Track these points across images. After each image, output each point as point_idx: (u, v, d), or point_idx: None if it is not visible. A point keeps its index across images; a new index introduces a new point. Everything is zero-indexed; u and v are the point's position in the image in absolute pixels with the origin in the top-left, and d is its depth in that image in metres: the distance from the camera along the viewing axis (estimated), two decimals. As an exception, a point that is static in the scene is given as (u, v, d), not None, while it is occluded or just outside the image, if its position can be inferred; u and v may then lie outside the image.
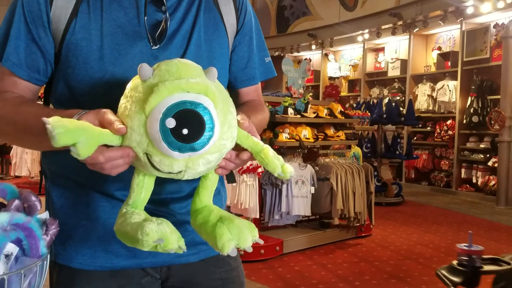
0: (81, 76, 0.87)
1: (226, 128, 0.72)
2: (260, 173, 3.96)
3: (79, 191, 0.92)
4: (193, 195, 0.82)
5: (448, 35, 8.14)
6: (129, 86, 0.73)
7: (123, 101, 0.72)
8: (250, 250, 0.73)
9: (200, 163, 0.70)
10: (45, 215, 0.74)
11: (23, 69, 0.87)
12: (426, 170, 8.06)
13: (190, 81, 0.68)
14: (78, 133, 0.64)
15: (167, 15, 0.91)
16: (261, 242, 0.75)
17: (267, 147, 0.77)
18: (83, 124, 0.66)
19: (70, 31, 0.87)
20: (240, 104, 1.06)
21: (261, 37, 1.12)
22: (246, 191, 3.80)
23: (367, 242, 4.43)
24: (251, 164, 3.91)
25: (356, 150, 5.39)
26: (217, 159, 0.73)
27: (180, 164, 0.69)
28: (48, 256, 0.71)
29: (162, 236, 0.67)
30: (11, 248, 0.66)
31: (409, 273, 3.58)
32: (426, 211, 6.13)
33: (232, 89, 1.07)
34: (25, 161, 6.98)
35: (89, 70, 0.87)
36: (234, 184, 3.85)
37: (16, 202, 0.70)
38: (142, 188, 0.75)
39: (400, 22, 7.99)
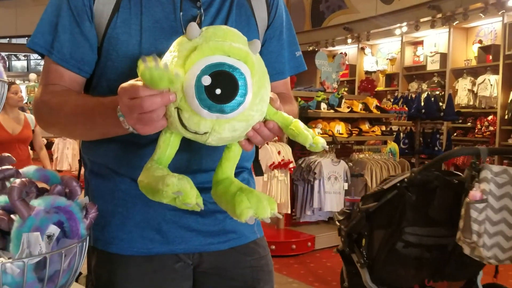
0: (120, 69, 0.92)
1: (257, 100, 0.73)
2: (292, 169, 3.97)
3: (116, 180, 0.96)
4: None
5: (489, 28, 7.84)
6: (175, 42, 0.76)
7: (167, 54, 0.75)
8: (268, 221, 0.74)
9: (226, 127, 0.71)
10: (85, 199, 0.78)
11: (71, 62, 0.92)
12: (465, 167, 7.82)
13: (233, 45, 0.71)
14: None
15: (202, 10, 0.94)
16: (280, 216, 0.76)
17: (297, 121, 0.77)
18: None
19: (112, 25, 0.91)
20: None
21: (292, 31, 1.13)
22: (278, 187, 3.82)
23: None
24: (282, 160, 3.92)
25: (393, 145, 5.29)
26: (243, 129, 0.74)
27: (207, 124, 0.70)
28: (88, 238, 0.76)
29: (181, 189, 0.69)
30: (53, 230, 0.70)
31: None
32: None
33: None
34: (66, 156, 7.27)
35: (128, 64, 0.91)
36: (265, 179, 3.88)
37: (58, 187, 0.75)
38: (168, 146, 0.77)
39: (440, 15, 7.76)
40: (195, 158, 0.94)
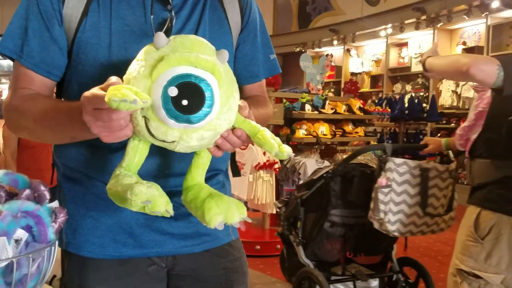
0: (90, 73, 0.92)
1: (225, 109, 0.74)
2: (277, 169, 3.99)
3: (88, 183, 0.96)
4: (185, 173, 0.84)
5: (473, 29, 7.96)
6: (142, 50, 0.76)
7: (134, 63, 0.75)
8: (237, 225, 0.76)
9: (193, 137, 0.72)
10: (54, 204, 0.79)
11: (41, 66, 0.91)
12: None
13: (200, 56, 0.71)
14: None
15: (173, 13, 0.94)
16: (249, 220, 0.78)
17: (264, 129, 0.78)
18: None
19: (81, 29, 0.91)
20: (243, 99, 1.09)
21: (266, 34, 1.14)
22: (263, 187, 3.84)
23: (385, 239, 4.43)
24: (267, 160, 3.94)
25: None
26: (211, 137, 0.75)
27: (175, 133, 0.71)
28: (56, 242, 0.76)
29: (150, 198, 0.69)
30: (21, 234, 0.71)
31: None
32: (448, 209, 6.05)
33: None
34: None
35: (98, 67, 0.91)
36: (251, 180, 3.89)
37: (27, 191, 0.75)
38: (136, 153, 0.78)
39: (424, 17, 7.86)
40: (168, 162, 0.95)
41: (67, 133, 0.85)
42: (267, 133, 0.77)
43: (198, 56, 0.71)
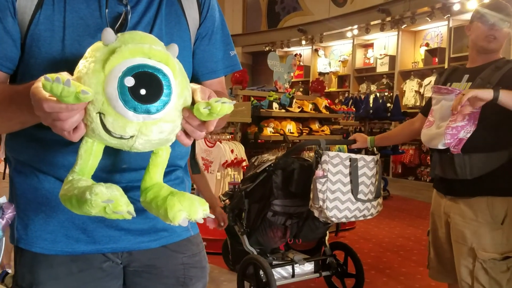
0: (43, 66, 0.89)
1: (181, 101, 0.73)
2: (245, 167, 3.99)
3: (40, 178, 0.94)
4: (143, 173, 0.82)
5: (435, 31, 8.20)
6: (89, 48, 0.74)
7: (82, 61, 0.73)
8: (201, 221, 0.75)
9: (153, 129, 0.71)
10: (1, 199, 0.77)
11: None
12: (412, 165, 8.14)
13: (153, 47, 0.70)
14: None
15: (128, 8, 0.92)
16: (212, 216, 0.77)
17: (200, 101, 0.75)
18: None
19: (35, 22, 0.89)
20: None
21: (226, 31, 1.14)
22: (230, 185, 3.83)
23: (350, 235, 4.50)
24: (235, 158, 3.94)
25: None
26: (170, 130, 0.74)
27: (133, 127, 0.69)
28: (3, 238, 0.74)
29: (111, 197, 0.67)
30: (-35, 230, 0.69)
31: (389, 265, 3.65)
32: (411, 206, 6.21)
33: (195, 82, 1.11)
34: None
35: (52, 60, 0.89)
36: (219, 177, 3.88)
37: (-28, 186, 0.73)
38: (90, 156, 0.75)
39: (389, 18, 8.04)
40: (124, 157, 0.93)
41: (17, 118, 0.82)
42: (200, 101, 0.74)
43: (151, 47, 0.70)
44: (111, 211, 0.67)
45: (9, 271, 1.33)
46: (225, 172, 3.96)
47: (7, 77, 0.94)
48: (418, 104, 8.13)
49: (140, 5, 0.95)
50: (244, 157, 4.08)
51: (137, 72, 0.68)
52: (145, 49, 0.70)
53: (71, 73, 0.76)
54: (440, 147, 1.89)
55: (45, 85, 0.62)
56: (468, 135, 1.83)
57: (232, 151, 3.99)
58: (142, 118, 0.69)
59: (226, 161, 3.92)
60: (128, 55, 0.69)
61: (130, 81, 0.67)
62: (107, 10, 0.91)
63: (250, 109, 4.11)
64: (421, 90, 8.02)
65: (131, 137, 0.71)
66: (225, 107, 0.71)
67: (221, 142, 3.95)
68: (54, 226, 0.94)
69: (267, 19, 11.09)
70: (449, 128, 1.82)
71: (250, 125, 4.27)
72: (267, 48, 10.35)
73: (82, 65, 0.72)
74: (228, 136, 4.08)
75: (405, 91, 8.27)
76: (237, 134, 4.17)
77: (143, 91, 0.67)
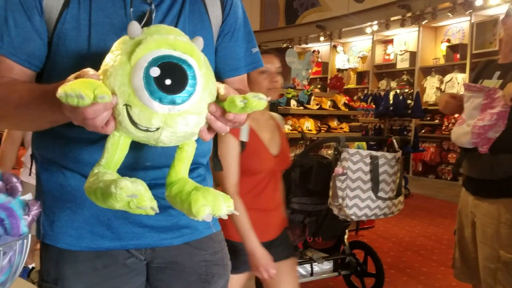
0: (69, 65, 0.90)
1: (207, 93, 0.72)
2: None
3: (66, 175, 0.95)
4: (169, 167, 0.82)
5: (457, 27, 8.05)
6: (116, 42, 0.74)
7: (108, 55, 0.73)
8: (225, 217, 0.74)
9: (178, 121, 0.70)
10: (28, 196, 0.77)
11: (21, 57, 0.90)
12: (433, 163, 8.02)
13: (178, 38, 0.70)
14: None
15: (153, 6, 0.93)
16: (237, 213, 0.76)
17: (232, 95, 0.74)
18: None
19: (61, 20, 0.90)
20: None
21: (248, 28, 1.13)
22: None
23: (369, 234, 4.45)
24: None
25: (361, 142, 5.38)
26: (195, 123, 0.73)
27: (159, 118, 0.69)
28: (29, 235, 0.75)
29: (136, 192, 0.66)
30: (-8, 227, 0.69)
31: (409, 264, 3.60)
32: (431, 204, 6.12)
33: (217, 80, 1.10)
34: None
35: (78, 59, 0.90)
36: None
37: (-1, 183, 0.73)
38: (117, 149, 0.74)
39: (409, 14, 7.92)
40: (148, 155, 0.94)
41: (47, 117, 0.83)
42: (233, 95, 0.73)
43: (176, 39, 0.70)
44: (135, 206, 0.67)
45: (32, 266, 1.36)
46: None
47: (35, 75, 0.95)
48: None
49: (164, 3, 0.96)
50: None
51: (163, 63, 0.68)
52: (170, 40, 0.70)
53: (97, 70, 0.76)
54: (467, 146, 1.85)
55: (60, 98, 0.63)
56: (497, 135, 1.79)
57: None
58: (167, 109, 0.68)
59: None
60: (153, 46, 0.69)
61: (155, 71, 0.67)
62: (131, 9, 0.92)
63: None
64: (442, 87, 7.89)
65: (157, 129, 0.70)
66: (260, 103, 0.71)
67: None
68: (80, 222, 0.95)
69: (285, 15, 11.04)
70: (476, 127, 1.79)
71: (269, 122, 4.26)
72: (284, 45, 10.31)
73: (109, 59, 0.72)
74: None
75: (425, 87, 8.14)
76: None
77: (168, 81, 0.67)
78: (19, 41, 0.90)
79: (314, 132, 4.22)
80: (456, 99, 2.08)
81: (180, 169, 0.81)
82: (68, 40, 0.90)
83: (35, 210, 0.76)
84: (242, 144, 1.75)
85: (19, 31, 0.89)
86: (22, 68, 0.91)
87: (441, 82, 7.94)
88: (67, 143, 0.93)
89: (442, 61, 8.15)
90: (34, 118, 0.87)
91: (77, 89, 0.63)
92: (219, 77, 1.10)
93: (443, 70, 8.07)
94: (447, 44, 8.05)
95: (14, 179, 0.75)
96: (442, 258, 3.73)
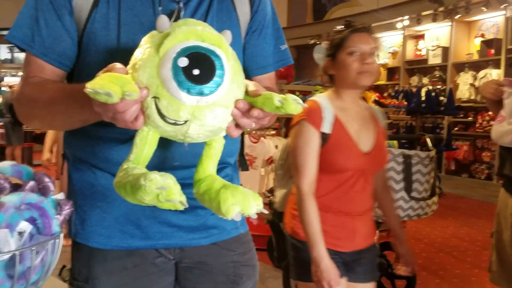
0: (99, 64, 0.90)
1: (235, 86, 0.71)
2: (290, 162, 3.96)
3: (97, 175, 0.96)
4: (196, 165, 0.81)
5: (491, 21, 7.79)
6: (145, 37, 0.74)
7: (137, 49, 0.73)
8: (254, 217, 0.72)
9: (206, 114, 0.69)
10: (60, 196, 0.78)
11: (52, 56, 0.91)
12: (466, 162, 7.81)
13: (207, 30, 0.70)
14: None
15: (181, 5, 0.93)
16: (266, 212, 0.74)
17: (268, 91, 0.73)
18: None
19: (91, 20, 0.90)
20: None
21: (277, 24, 1.11)
22: (276, 180, 3.81)
23: (400, 234, 4.37)
24: (281, 153, 3.92)
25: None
26: (223, 116, 0.72)
27: (187, 110, 0.68)
28: (61, 234, 0.75)
29: (165, 185, 0.66)
30: (24, 226, 0.70)
31: (442, 266, 3.51)
32: (465, 204, 5.96)
33: (246, 78, 1.09)
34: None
35: (108, 58, 0.90)
36: (263, 174, 3.87)
37: (31, 183, 0.74)
38: (145, 144, 0.74)
39: (441, 8, 7.71)
40: (176, 154, 0.93)
41: (78, 116, 0.83)
42: (270, 92, 0.72)
43: (205, 30, 0.70)
44: (164, 199, 0.66)
45: (65, 264, 1.37)
46: (269, 168, 3.94)
47: (65, 75, 0.96)
48: (472, 97, 7.76)
49: (192, 1, 0.96)
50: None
51: (191, 53, 0.67)
52: (198, 31, 0.69)
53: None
54: (509, 145, 1.77)
55: (89, 95, 0.63)
56: None
57: (276, 147, 3.96)
58: (195, 100, 0.67)
59: (271, 157, 3.90)
60: (182, 37, 0.68)
61: (183, 62, 0.66)
62: (160, 8, 0.92)
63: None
64: (476, 83, 7.66)
65: (185, 122, 0.69)
66: (298, 107, 0.69)
67: (265, 138, 3.93)
68: (110, 221, 0.95)
69: (313, 11, 10.93)
70: None
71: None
72: (312, 41, 10.21)
73: (138, 52, 0.72)
74: (272, 132, 4.05)
75: (459, 84, 7.92)
76: (281, 130, 4.13)
77: (196, 71, 0.66)
78: (50, 41, 0.90)
79: (343, 129, 4.16)
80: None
81: (208, 166, 0.80)
82: (97, 40, 0.90)
83: (67, 209, 0.77)
84: (324, 136, 1.52)
85: (50, 31, 0.90)
86: (53, 68, 0.92)
87: (475, 78, 7.71)
88: (97, 143, 0.94)
89: (475, 57, 7.91)
90: (65, 117, 0.87)
91: (105, 86, 0.63)
92: (247, 76, 1.07)
93: (476, 66, 7.83)
94: (481, 39, 7.80)
95: (46, 179, 0.75)
96: (476, 260, 3.62)
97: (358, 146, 1.55)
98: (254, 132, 3.94)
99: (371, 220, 1.67)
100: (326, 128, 1.51)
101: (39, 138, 8.91)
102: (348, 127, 1.55)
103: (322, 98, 1.58)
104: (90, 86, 0.63)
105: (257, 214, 0.73)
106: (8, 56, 15.73)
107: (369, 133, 1.60)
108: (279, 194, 1.82)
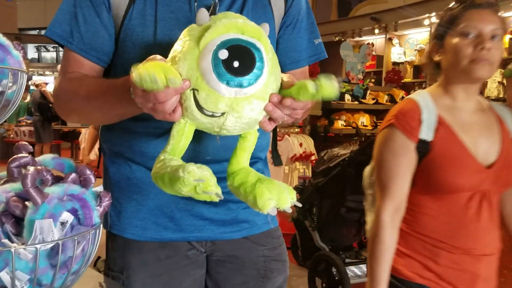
0: (136, 60, 0.91)
1: (272, 78, 0.72)
2: (314, 161, 3.94)
3: (132, 168, 0.98)
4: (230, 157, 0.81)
5: (524, 17, 7.56)
6: (185, 30, 0.75)
7: (177, 43, 0.74)
8: (289, 211, 0.73)
9: (244, 106, 0.70)
10: (99, 188, 0.80)
11: (91, 52, 0.93)
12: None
13: (247, 22, 0.71)
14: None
15: (216, 0, 0.93)
16: (299, 205, 0.75)
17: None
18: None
19: (128, 17, 0.92)
20: None
21: (311, 18, 1.11)
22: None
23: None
24: (304, 152, 3.91)
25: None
26: (260, 109, 0.72)
27: (225, 102, 0.69)
28: (101, 225, 0.77)
29: (202, 177, 0.67)
30: (67, 217, 0.72)
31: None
32: (493, 204, 5.80)
33: None
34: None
35: (144, 55, 0.91)
36: (287, 171, 3.87)
37: (73, 175, 0.76)
38: (182, 136, 0.75)
39: (470, 4, 7.53)
40: (208, 148, 0.95)
41: (116, 110, 0.85)
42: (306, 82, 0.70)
43: (245, 22, 0.70)
44: (201, 191, 0.67)
45: (100, 255, 1.41)
46: (293, 166, 3.93)
47: (103, 70, 0.98)
48: (501, 95, 7.56)
49: None
50: (313, 151, 4.02)
51: (231, 46, 0.68)
52: (239, 23, 0.70)
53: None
54: None
55: (135, 82, 0.64)
56: None
57: (300, 144, 3.95)
58: (234, 92, 0.68)
59: (295, 154, 3.89)
60: (222, 30, 0.69)
61: (224, 54, 0.67)
62: (196, 4, 0.93)
63: (320, 102, 4.04)
64: (505, 81, 7.46)
65: (222, 114, 0.70)
66: (334, 90, 0.68)
67: (289, 136, 3.92)
68: (145, 213, 0.97)
69: (337, 8, 10.83)
70: None
71: (320, 118, 4.20)
72: (337, 38, 10.11)
73: (178, 45, 0.73)
74: (296, 130, 4.04)
75: (487, 81, 7.72)
76: (305, 127, 4.12)
77: (236, 64, 0.67)
78: (89, 37, 0.92)
79: (370, 127, 4.12)
80: None
81: (242, 158, 0.81)
82: (134, 36, 0.92)
83: (106, 201, 0.79)
84: (424, 146, 1.18)
85: (89, 27, 0.92)
86: (91, 63, 0.94)
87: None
88: (133, 137, 0.96)
89: (504, 54, 7.67)
90: (102, 111, 0.89)
91: (151, 72, 0.64)
92: (281, 70, 1.08)
93: (505, 63, 7.53)
94: (510, 36, 7.58)
95: (88, 172, 0.77)
96: (505, 260, 3.52)
97: (475, 158, 1.18)
98: (278, 129, 3.94)
99: (497, 262, 1.26)
100: (426, 134, 1.17)
101: (67, 136, 9.13)
102: (460, 132, 1.19)
103: (422, 95, 1.24)
104: (137, 73, 0.64)
105: (280, 211, 0.74)
106: (35, 55, 16.14)
107: (492, 140, 1.22)
108: (369, 219, 1.35)
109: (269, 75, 0.71)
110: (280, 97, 0.72)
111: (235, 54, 0.67)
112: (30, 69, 15.13)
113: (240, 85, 0.68)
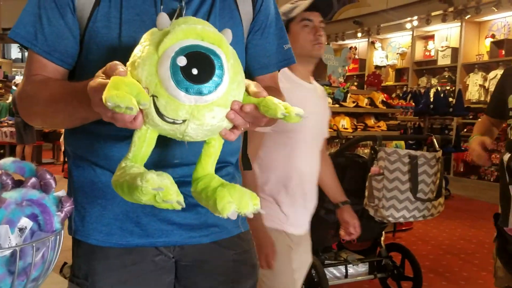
0: (101, 62, 0.90)
1: (235, 85, 0.71)
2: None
3: (97, 172, 0.96)
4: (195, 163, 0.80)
5: (502, 22, 7.71)
6: (145, 34, 0.74)
7: (137, 47, 0.73)
8: (250, 216, 0.72)
9: (205, 113, 0.69)
10: (61, 193, 0.78)
11: (55, 55, 0.91)
12: (476, 164, 7.72)
13: (206, 28, 0.69)
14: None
15: (183, 4, 0.92)
16: (263, 212, 0.74)
17: (271, 97, 0.73)
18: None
19: (93, 19, 0.90)
20: None
21: (280, 24, 1.11)
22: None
23: (407, 236, 4.34)
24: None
25: (399, 142, 5.24)
26: (221, 116, 0.71)
27: (185, 110, 0.68)
28: (62, 231, 0.76)
29: (161, 185, 0.65)
30: (25, 222, 0.70)
31: (449, 268, 3.48)
32: (473, 206, 5.90)
33: (247, 77, 1.09)
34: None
35: (109, 57, 0.90)
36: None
37: (33, 179, 0.75)
38: (144, 143, 0.74)
39: (451, 9, 7.66)
40: (176, 152, 0.93)
41: (78, 113, 0.83)
42: (272, 99, 0.71)
43: (204, 28, 0.69)
44: (161, 200, 0.66)
45: (66, 261, 1.39)
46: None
47: (67, 73, 0.96)
48: (482, 99, 7.69)
49: (194, 0, 0.95)
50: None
51: (190, 52, 0.67)
52: (198, 30, 0.69)
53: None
54: None
55: (108, 108, 0.63)
56: None
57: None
58: (194, 100, 0.67)
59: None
60: (181, 36, 0.68)
61: (182, 61, 0.66)
62: (162, 6, 0.92)
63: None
64: (486, 84, 7.59)
65: (184, 121, 0.69)
66: (297, 119, 0.69)
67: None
68: (109, 218, 0.95)
69: (321, 12, 10.90)
70: None
71: (303, 120, 4.21)
72: (321, 42, 10.17)
73: (137, 50, 0.72)
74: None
75: (468, 85, 7.85)
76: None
77: (195, 71, 0.66)
78: (53, 39, 0.91)
79: (350, 130, 4.14)
80: (487, 149, 1.88)
81: (207, 164, 0.80)
82: (99, 38, 0.90)
83: (68, 206, 0.77)
84: None
85: (53, 29, 0.90)
86: (55, 66, 0.92)
87: (485, 79, 7.64)
88: (98, 140, 0.94)
89: (486, 58, 7.83)
90: (65, 115, 0.87)
91: (125, 99, 0.62)
92: (250, 75, 1.07)
93: (487, 67, 7.75)
94: (492, 39, 7.73)
95: (48, 176, 0.76)
96: (483, 263, 3.58)
97: None
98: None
99: None
100: None
101: (48, 137, 8.99)
102: None
103: None
104: (109, 99, 0.61)
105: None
106: (19, 55, 15.91)
107: None
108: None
109: (230, 82, 0.70)
110: (241, 104, 0.72)
111: (193, 61, 0.66)
112: (13, 69, 14.89)
113: (200, 93, 0.67)
